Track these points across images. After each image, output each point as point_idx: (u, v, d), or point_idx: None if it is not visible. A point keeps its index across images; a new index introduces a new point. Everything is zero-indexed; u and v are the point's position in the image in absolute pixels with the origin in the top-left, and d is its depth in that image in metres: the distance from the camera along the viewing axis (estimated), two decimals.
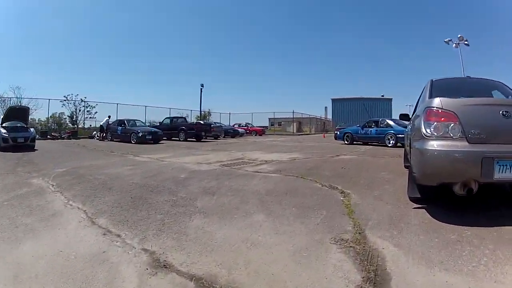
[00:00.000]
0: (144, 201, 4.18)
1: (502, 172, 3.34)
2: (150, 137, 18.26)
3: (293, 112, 46.72)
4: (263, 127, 40.38)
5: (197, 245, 2.75)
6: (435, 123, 3.63)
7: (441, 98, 3.76)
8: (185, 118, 24.35)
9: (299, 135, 39.12)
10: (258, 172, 6.51)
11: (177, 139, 21.36)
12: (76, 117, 29.63)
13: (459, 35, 32.58)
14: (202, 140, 21.81)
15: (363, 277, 2.16)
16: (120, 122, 20.64)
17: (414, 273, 2.24)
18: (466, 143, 3.46)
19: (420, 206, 3.92)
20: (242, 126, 37.76)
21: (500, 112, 3.54)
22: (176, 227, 3.19)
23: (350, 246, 2.69)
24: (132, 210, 3.79)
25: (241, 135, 32.32)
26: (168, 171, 6.88)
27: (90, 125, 30.54)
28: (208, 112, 45.88)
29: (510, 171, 3.34)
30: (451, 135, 3.51)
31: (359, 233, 3.05)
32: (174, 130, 21.81)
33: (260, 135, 35.84)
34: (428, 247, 2.70)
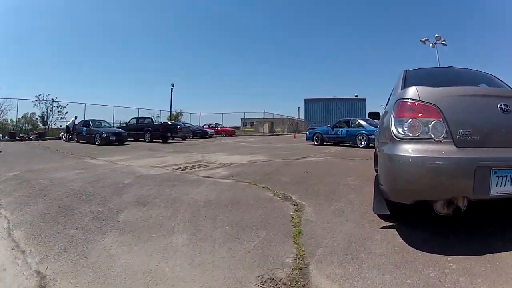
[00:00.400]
0: (69, 212, 3.68)
1: (501, 186, 2.58)
2: (114, 138, 17.62)
3: (263, 112, 46.21)
4: (233, 127, 39.78)
5: (91, 272, 2.24)
6: (410, 120, 2.76)
7: (418, 87, 2.89)
8: (151, 119, 23.65)
9: (270, 135, 38.77)
10: (209, 177, 5.90)
11: (144, 140, 20.71)
12: (47, 118, 28.86)
13: (436, 35, 31.41)
14: (169, 141, 21.17)
15: None
16: (85, 123, 19.90)
17: None
18: (454, 147, 2.64)
19: (390, 224, 3.20)
20: (212, 126, 37.14)
21: (498, 106, 2.76)
22: (83, 247, 2.67)
23: None
24: (51, 222, 3.32)
25: (210, 135, 31.72)
26: (114, 175, 6.25)
27: (60, 126, 29.66)
28: (180, 112, 45.20)
29: (505, 184, 2.58)
30: (432, 136, 2.68)
31: (300, 268, 2.26)
32: (140, 131, 21.15)
33: (230, 135, 35.22)
34: None
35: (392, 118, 2.85)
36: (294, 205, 3.86)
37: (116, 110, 33.46)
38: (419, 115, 2.75)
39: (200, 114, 47.04)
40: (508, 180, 2.57)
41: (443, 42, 31.28)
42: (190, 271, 2.18)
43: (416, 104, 2.80)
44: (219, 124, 39.34)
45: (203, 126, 36.63)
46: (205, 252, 2.49)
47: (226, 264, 2.30)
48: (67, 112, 29.33)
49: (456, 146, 2.64)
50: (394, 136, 2.78)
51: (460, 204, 2.68)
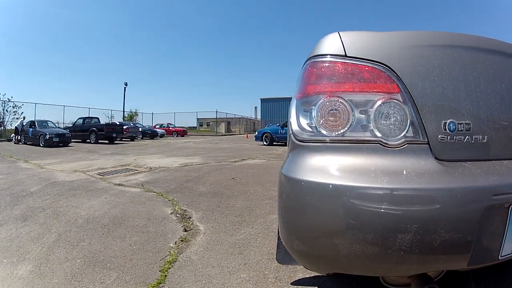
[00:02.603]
0: None
1: None
2: (58, 140, 16.56)
3: (216, 111, 45.18)
4: (184, 127, 38.79)
5: None
6: (328, 100, 1.24)
7: (346, 33, 1.33)
8: (98, 119, 22.48)
9: (224, 135, 38.19)
10: (121, 184, 5.33)
11: (89, 141, 19.62)
12: (3, 118, 26.93)
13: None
14: (116, 142, 20.17)
15: None
16: (32, 124, 18.58)
17: None
18: (432, 162, 1.16)
19: (311, 276, 2.11)
20: (163, 126, 35.85)
21: None
22: None
23: None
24: None
25: (161, 136, 30.56)
26: (28, 182, 5.65)
27: (15, 127, 28.20)
28: (136, 112, 43.85)
29: None
30: (380, 135, 1.19)
31: None
32: (86, 131, 19.95)
33: (182, 136, 34.07)
34: None
35: (294, 101, 1.39)
36: (186, 230, 3.05)
37: (67, 110, 32.12)
38: (347, 87, 1.26)
39: (152, 113, 45.70)
40: None
41: None
42: None
43: (340, 64, 1.28)
44: (170, 124, 37.99)
45: (154, 126, 35.48)
46: None
47: None
48: (22, 113, 27.73)
49: (437, 159, 1.19)
50: (293, 138, 1.32)
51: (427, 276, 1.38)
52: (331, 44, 1.31)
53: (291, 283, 2.01)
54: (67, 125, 25.21)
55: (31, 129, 18.03)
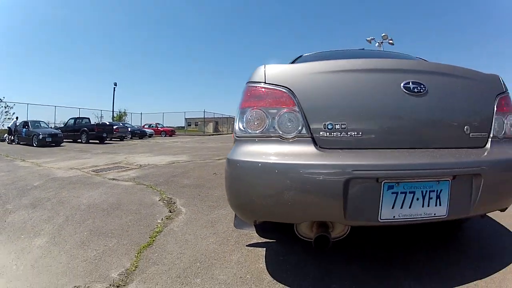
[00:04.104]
0: None
1: (399, 207, 1.74)
2: (50, 140, 16.95)
3: (204, 111, 45.63)
4: (172, 127, 39.00)
5: None
6: (254, 111, 1.89)
7: (268, 65, 2.01)
8: (89, 119, 22.77)
9: (212, 135, 38.58)
10: (114, 179, 5.86)
11: (80, 141, 19.87)
12: None
13: (383, 34, 29.75)
14: (106, 142, 20.44)
15: None
16: (25, 124, 18.84)
17: None
18: (312, 149, 1.78)
19: (263, 241, 2.69)
20: (152, 126, 36.02)
21: (402, 84, 1.89)
22: None
23: None
24: None
25: (150, 136, 30.70)
26: (30, 178, 6.11)
27: (8, 127, 28.27)
28: (124, 112, 43.97)
29: (412, 205, 1.75)
30: (280, 132, 1.83)
31: (118, 286, 1.99)
32: (77, 131, 20.21)
33: (170, 135, 34.29)
34: None
35: (237, 111, 2.02)
36: (171, 211, 3.63)
37: (58, 110, 32.34)
38: (264, 103, 1.90)
39: (141, 113, 45.81)
40: (414, 199, 1.76)
41: (390, 41, 29.86)
42: (28, 271, 2.22)
43: (261, 88, 1.93)
44: (159, 124, 38.16)
45: (143, 126, 35.62)
46: (50, 256, 2.46)
47: (59, 269, 2.23)
48: (14, 113, 27.90)
49: (318, 147, 1.80)
50: (235, 135, 2.00)
51: (328, 231, 1.91)
52: (257, 74, 1.96)
53: (246, 245, 2.60)
54: (57, 125, 25.42)
55: (24, 129, 18.29)
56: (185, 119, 52.36)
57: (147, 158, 9.75)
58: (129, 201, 4.14)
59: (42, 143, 16.51)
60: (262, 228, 2.86)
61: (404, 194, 1.74)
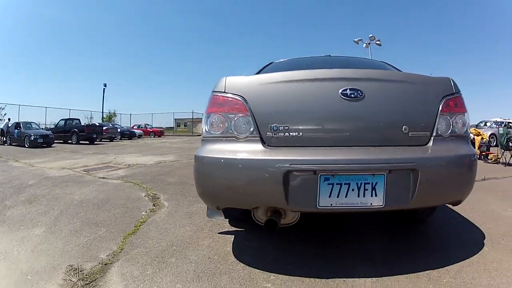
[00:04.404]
0: None
1: (335, 196, 2.03)
2: (42, 141, 16.96)
3: (192, 112, 45.68)
4: (162, 128, 38.89)
5: None
6: (214, 115, 2.25)
7: (228, 78, 2.34)
8: (79, 120, 22.79)
9: (200, 135, 38.60)
10: (104, 178, 6.16)
11: (71, 142, 19.87)
12: None
13: (370, 35, 29.58)
14: (96, 142, 20.50)
15: None
16: (17, 125, 18.80)
17: None
18: (260, 146, 2.12)
19: (232, 230, 3.04)
20: (141, 127, 35.87)
21: (341, 91, 2.15)
22: None
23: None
24: None
25: (139, 136, 30.65)
26: (25, 177, 6.36)
27: (0, 128, 28.11)
28: (114, 113, 43.83)
29: (348, 195, 2.03)
30: (236, 133, 2.18)
31: (106, 264, 2.33)
32: (68, 132, 20.18)
33: (159, 136, 34.20)
34: None
35: (203, 115, 2.39)
36: (154, 205, 3.97)
37: (49, 111, 32.36)
38: (224, 109, 2.24)
39: (130, 114, 45.64)
40: (349, 190, 2.03)
41: (377, 42, 29.61)
42: (28, 255, 2.53)
43: (221, 97, 2.28)
44: (148, 124, 37.95)
45: (132, 127, 35.46)
46: (48, 243, 2.77)
47: (56, 253, 2.54)
48: (5, 114, 27.83)
49: (265, 145, 2.13)
50: (202, 135, 2.36)
51: (275, 216, 2.22)
52: (220, 85, 2.28)
53: (218, 233, 2.94)
54: (48, 126, 25.38)
55: (16, 131, 18.27)
56: (174, 119, 52.33)
57: (136, 158, 10.02)
58: (117, 197, 4.46)
59: (34, 144, 16.54)
60: (234, 218, 3.18)
61: (339, 185, 2.00)
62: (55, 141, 18.89)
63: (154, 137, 33.41)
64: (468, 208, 3.84)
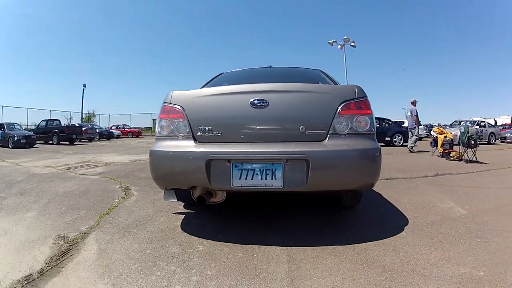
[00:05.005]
0: None
1: (244, 179, 2.50)
2: (25, 141, 17.09)
3: None
4: (140, 128, 38.61)
5: None
6: (163, 120, 2.86)
7: (174, 92, 2.94)
8: (59, 121, 22.75)
9: None
10: (84, 174, 6.69)
11: (52, 142, 19.86)
12: None
13: (344, 37, 29.43)
14: (75, 143, 20.50)
15: None
16: (0, 126, 18.72)
17: None
18: (192, 142, 2.69)
19: (185, 211, 3.63)
20: (119, 128, 35.47)
21: (250, 101, 2.63)
22: None
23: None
24: None
25: (117, 137, 30.44)
26: (14, 174, 6.80)
27: None
28: (93, 113, 43.25)
29: (253, 178, 2.49)
30: (177, 133, 2.76)
31: (85, 233, 2.95)
32: (49, 133, 20.19)
33: (137, 136, 34.06)
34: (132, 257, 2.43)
35: (157, 119, 2.97)
36: (126, 194, 4.54)
37: (30, 112, 32.07)
38: (170, 116, 2.81)
39: (109, 115, 45.67)
40: (255, 174, 2.48)
41: (352, 43, 29.57)
42: (24, 230, 3.13)
43: (167, 106, 2.84)
44: (126, 125, 37.65)
45: (110, 128, 35.01)
46: (40, 222, 3.35)
47: (47, 228, 3.13)
48: None
49: (196, 142, 2.67)
50: (156, 135, 2.96)
51: (203, 193, 2.71)
52: (168, 97, 2.86)
53: (173, 213, 3.53)
54: (29, 127, 25.17)
55: (0, 132, 18.21)
56: (152, 119, 51.76)
57: (113, 157, 10.46)
58: (95, 189, 5.07)
59: (17, 145, 16.61)
60: (188, 203, 3.73)
61: (247, 171, 2.47)
62: (37, 142, 18.89)
63: (132, 137, 33.39)
64: (405, 200, 4.19)
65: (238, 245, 2.59)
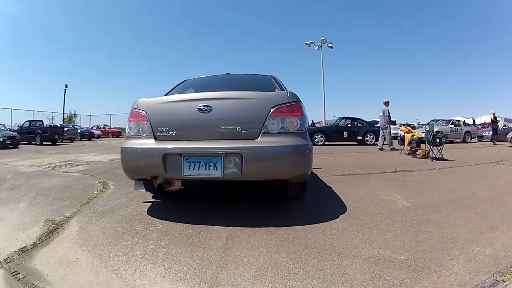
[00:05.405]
0: None
1: (192, 169, 2.88)
2: (10, 142, 17.09)
3: None
4: (120, 128, 38.24)
5: None
6: (131, 122, 3.26)
7: (140, 99, 3.33)
8: (42, 122, 22.64)
9: None
10: (67, 172, 7.09)
11: (35, 143, 19.71)
12: None
13: (322, 38, 29.86)
14: (57, 143, 20.46)
15: None
16: None
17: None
18: (153, 141, 3.08)
19: (153, 200, 4.02)
20: (100, 128, 35.08)
21: (197, 107, 3.00)
22: None
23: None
24: None
25: (98, 137, 30.28)
26: (3, 173, 7.09)
27: None
28: (74, 114, 42.63)
29: (199, 168, 2.88)
30: (141, 133, 3.17)
31: (69, 217, 3.38)
32: (32, 134, 20.05)
33: (117, 136, 33.79)
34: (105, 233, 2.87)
35: (127, 121, 3.34)
36: (104, 188, 4.93)
37: (14, 112, 31.76)
38: (136, 119, 3.21)
39: (90, 115, 44.85)
40: (200, 166, 2.86)
41: (329, 44, 29.84)
42: (18, 216, 3.56)
43: (134, 111, 3.25)
44: (106, 125, 37.19)
45: (91, 128, 34.52)
46: (31, 210, 3.72)
47: (37, 214, 3.53)
48: None
49: (156, 140, 3.07)
50: (125, 135, 3.31)
51: (162, 181, 3.12)
52: (135, 103, 3.26)
53: (142, 202, 3.93)
54: (13, 128, 24.88)
55: None
56: None
57: (94, 157, 10.78)
58: (77, 184, 5.52)
59: (3, 145, 16.55)
60: (156, 193, 4.10)
61: (194, 163, 2.86)
62: (21, 142, 18.83)
63: (112, 137, 33.24)
64: (352, 193, 4.41)
65: (190, 225, 3.00)
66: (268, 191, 4.49)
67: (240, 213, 3.45)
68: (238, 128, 2.95)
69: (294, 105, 3.01)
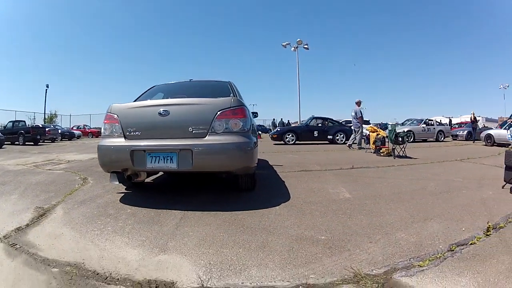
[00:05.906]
0: None
1: (154, 163, 3.26)
2: None
3: None
4: (100, 128, 37.83)
5: None
6: (106, 124, 3.58)
7: (113, 104, 3.66)
8: (25, 122, 22.45)
9: None
10: (50, 170, 7.47)
11: (18, 143, 19.52)
12: None
13: (298, 39, 29.97)
14: (39, 143, 20.28)
15: None
16: None
17: None
18: (123, 140, 3.42)
19: (126, 192, 4.39)
20: (80, 128, 34.60)
21: (158, 111, 3.35)
22: None
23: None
24: None
25: (78, 137, 30.17)
26: None
27: None
28: (55, 114, 41.80)
29: (159, 162, 3.24)
30: (114, 133, 3.50)
31: (55, 204, 3.82)
32: (15, 134, 19.87)
33: (97, 136, 32.74)
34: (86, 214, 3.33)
35: (102, 123, 3.66)
36: (84, 182, 5.34)
37: None
38: (110, 121, 3.54)
39: (70, 115, 44.02)
40: (160, 160, 3.21)
41: (305, 46, 29.85)
42: (10, 205, 3.97)
43: (109, 114, 3.56)
44: (86, 125, 36.66)
45: (72, 128, 33.94)
46: (22, 200, 4.11)
47: (27, 203, 3.91)
48: None
49: (125, 139, 3.39)
50: (101, 134, 3.62)
51: (130, 173, 3.46)
52: (109, 107, 3.70)
53: (117, 192, 4.36)
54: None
55: None
56: None
57: (74, 156, 11.04)
58: (60, 179, 5.85)
59: None
60: (129, 185, 4.48)
61: (155, 157, 3.23)
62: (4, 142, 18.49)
63: (92, 137, 32.88)
64: (302, 186, 4.70)
65: (154, 209, 3.43)
66: (224, 185, 4.80)
67: (198, 201, 3.81)
68: (190, 129, 3.31)
69: (237, 109, 3.35)
